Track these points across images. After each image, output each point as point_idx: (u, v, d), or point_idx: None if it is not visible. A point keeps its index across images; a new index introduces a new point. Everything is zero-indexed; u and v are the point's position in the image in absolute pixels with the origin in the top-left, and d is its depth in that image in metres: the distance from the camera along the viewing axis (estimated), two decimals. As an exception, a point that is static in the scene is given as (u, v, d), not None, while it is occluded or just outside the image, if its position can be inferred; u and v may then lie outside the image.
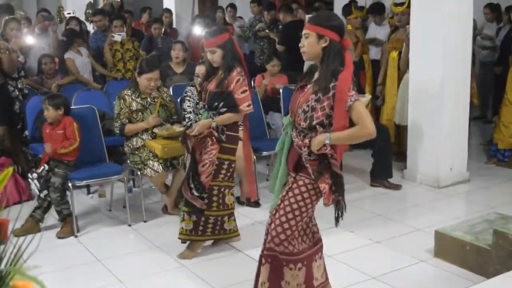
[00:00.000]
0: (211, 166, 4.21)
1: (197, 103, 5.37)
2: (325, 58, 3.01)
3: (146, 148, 5.11)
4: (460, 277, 3.98)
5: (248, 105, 4.24)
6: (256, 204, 5.48)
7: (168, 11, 10.17)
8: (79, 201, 5.51)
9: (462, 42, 5.99)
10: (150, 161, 5.02)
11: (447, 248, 4.22)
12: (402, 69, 6.66)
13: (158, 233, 4.89)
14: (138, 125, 5.14)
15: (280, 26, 9.07)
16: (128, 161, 5.29)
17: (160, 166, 5.02)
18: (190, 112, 5.34)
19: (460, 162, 6.17)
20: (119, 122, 5.13)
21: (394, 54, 6.80)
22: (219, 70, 4.26)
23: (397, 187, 5.96)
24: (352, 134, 3.01)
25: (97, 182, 5.36)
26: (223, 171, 4.29)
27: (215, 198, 4.31)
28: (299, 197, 3.10)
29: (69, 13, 8.84)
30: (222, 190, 4.34)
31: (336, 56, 3.00)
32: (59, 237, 4.81)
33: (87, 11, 12.26)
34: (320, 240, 3.34)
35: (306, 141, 3.03)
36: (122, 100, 5.15)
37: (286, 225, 3.12)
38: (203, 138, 4.23)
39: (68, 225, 4.87)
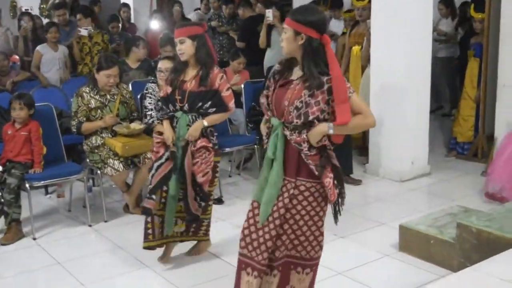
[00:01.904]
0: (211, 174, 4.04)
1: (158, 100, 5.26)
2: (305, 55, 2.92)
3: (106, 147, 4.99)
4: (426, 271, 4.00)
5: (233, 103, 4.10)
6: (219, 201, 5.42)
7: (126, 5, 10.00)
8: (37, 202, 5.35)
9: (423, 37, 6.04)
10: (111, 160, 4.90)
11: (412, 242, 4.23)
12: (363, 63, 6.68)
13: (120, 233, 4.79)
14: (95, 123, 5.01)
15: (239, 21, 8.99)
16: (88, 160, 5.15)
17: (121, 165, 4.91)
18: (152, 109, 5.20)
19: (421, 156, 6.23)
20: (76, 120, 4.99)
21: (356, 48, 6.80)
22: (190, 66, 4.03)
23: (357, 182, 5.97)
24: (356, 123, 2.95)
25: (55, 182, 5.19)
26: (217, 174, 4.19)
27: (210, 202, 4.21)
28: (305, 203, 2.97)
29: (27, 9, 8.57)
30: (213, 192, 4.25)
31: (316, 54, 2.91)
32: (2, 244, 4.60)
33: (42, 6, 11.94)
34: (318, 258, 3.22)
35: (304, 135, 2.92)
36: (80, 98, 5.01)
37: (299, 232, 3.02)
38: (199, 148, 3.98)
39: (12, 231, 4.68)
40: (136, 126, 5.04)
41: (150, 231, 4.09)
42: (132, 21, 10.43)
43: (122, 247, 4.51)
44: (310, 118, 2.89)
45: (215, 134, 4.14)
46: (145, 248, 4.12)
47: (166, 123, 4.04)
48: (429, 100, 6.27)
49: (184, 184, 3.98)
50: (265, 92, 3.10)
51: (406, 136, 6.06)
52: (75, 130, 5.03)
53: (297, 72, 3.01)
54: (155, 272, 4.08)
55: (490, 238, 3.74)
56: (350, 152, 6.07)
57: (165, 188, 4.02)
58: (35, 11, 10.05)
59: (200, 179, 3.97)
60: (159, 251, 4.26)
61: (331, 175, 2.97)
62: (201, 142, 3.98)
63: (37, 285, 4.07)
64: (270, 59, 7.30)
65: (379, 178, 6.15)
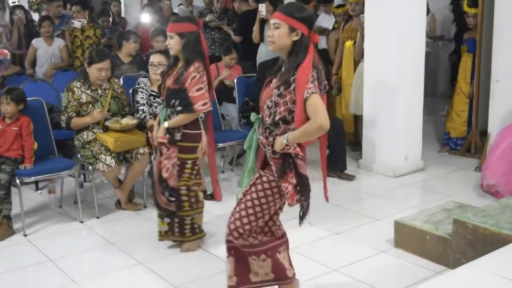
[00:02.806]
0: (174, 169, 4.05)
1: (150, 95, 5.22)
2: (294, 52, 2.91)
3: (97, 142, 4.92)
4: (421, 267, 3.98)
5: (204, 104, 4.00)
6: (212, 197, 5.36)
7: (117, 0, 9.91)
8: (27, 198, 5.26)
9: (417, 32, 6.02)
10: (102, 155, 4.84)
11: (407, 238, 4.20)
12: (357, 59, 6.65)
13: (112, 230, 4.73)
14: (84, 119, 4.94)
15: (231, 15, 8.93)
16: (79, 155, 5.09)
17: (113, 160, 4.85)
18: (144, 104, 5.18)
19: (415, 151, 6.22)
20: (66, 115, 4.93)
21: (349, 43, 6.77)
22: (179, 62, 4.05)
23: (351, 177, 5.94)
24: (305, 130, 2.87)
25: (46, 178, 5.11)
26: (187, 171, 4.13)
27: (184, 198, 4.16)
28: (261, 193, 3.04)
29: (14, 2, 8.47)
30: (192, 188, 4.18)
31: (304, 51, 2.90)
32: None
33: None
34: (283, 235, 3.28)
35: (270, 139, 2.97)
36: (70, 92, 4.94)
37: (245, 220, 3.07)
38: (160, 145, 4.08)
39: (3, 227, 4.60)
40: (129, 121, 4.98)
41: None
42: (123, 15, 10.34)
43: (115, 243, 4.45)
44: (277, 118, 2.91)
45: (184, 131, 4.06)
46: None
47: (155, 120, 4.21)
48: (423, 95, 6.25)
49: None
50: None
51: (400, 132, 6.05)
52: (64, 125, 4.97)
53: (283, 70, 3.01)
54: (149, 268, 4.03)
55: (486, 234, 3.72)
56: (343, 148, 6.04)
57: None
58: (24, 5, 9.93)
59: (164, 174, 4.03)
60: (152, 248, 4.26)
61: (293, 181, 2.96)
62: (162, 139, 4.05)
63: (29, 282, 4.00)
64: (263, 54, 7.25)
65: (373, 174, 6.13)
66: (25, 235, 4.63)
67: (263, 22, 7.31)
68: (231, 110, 6.66)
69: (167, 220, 4.20)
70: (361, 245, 4.36)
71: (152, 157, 4.20)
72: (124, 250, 4.31)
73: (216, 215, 4.87)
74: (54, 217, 5.07)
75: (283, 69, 2.99)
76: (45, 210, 5.24)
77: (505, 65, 5.88)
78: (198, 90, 3.97)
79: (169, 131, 4.03)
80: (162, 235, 4.28)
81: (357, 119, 6.83)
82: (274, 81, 2.99)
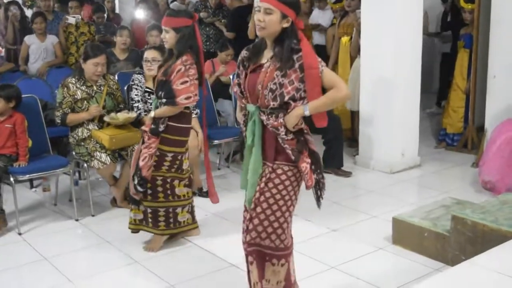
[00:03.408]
0: (150, 160, 4.03)
1: (145, 91, 5.17)
2: (284, 38, 2.86)
3: (92, 139, 4.87)
4: (420, 264, 3.95)
5: (187, 98, 3.97)
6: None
7: (111, -4, 9.83)
8: (22, 196, 5.20)
9: (414, 28, 5.99)
10: (97, 153, 4.80)
11: (405, 235, 4.18)
12: (353, 54, 6.62)
13: (108, 228, 4.68)
14: (80, 115, 4.89)
15: (225, 12, 8.88)
16: (74, 153, 5.04)
17: (108, 158, 4.80)
18: (139, 101, 5.13)
19: (411, 147, 6.20)
20: (61, 111, 4.88)
21: (346, 39, 6.74)
22: (173, 55, 4.06)
23: (347, 174, 5.91)
24: (329, 98, 2.89)
25: (41, 175, 5.06)
26: (166, 163, 4.11)
27: (160, 189, 4.14)
28: (280, 187, 2.93)
29: None
30: (169, 181, 4.15)
31: (293, 37, 2.87)
32: None
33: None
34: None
35: (281, 120, 2.88)
36: (65, 88, 4.89)
37: (272, 218, 2.95)
38: (143, 132, 4.12)
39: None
40: (132, 114, 4.94)
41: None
42: (117, 11, 10.28)
43: (110, 241, 4.41)
44: (286, 98, 2.85)
45: (169, 123, 4.05)
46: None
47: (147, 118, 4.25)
48: (419, 91, 6.22)
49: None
50: (236, 80, 3.08)
51: (396, 128, 6.02)
52: (59, 122, 4.92)
53: (266, 55, 2.95)
54: (145, 267, 3.99)
55: (485, 231, 3.70)
56: (341, 145, 6.00)
57: None
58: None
59: (140, 162, 4.03)
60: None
61: (308, 160, 2.94)
62: (146, 127, 4.08)
63: (24, 281, 3.95)
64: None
65: (370, 170, 6.10)
66: (19, 234, 4.58)
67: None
68: (227, 107, 6.62)
69: (142, 207, 4.18)
70: (359, 242, 4.33)
71: None
72: (120, 249, 4.27)
73: (213, 213, 4.83)
74: (49, 215, 5.02)
75: (268, 52, 2.92)
76: (40, 208, 5.19)
77: (502, 61, 5.87)
78: (182, 83, 3.96)
79: (154, 121, 4.03)
80: (136, 224, 4.23)
81: (354, 115, 6.80)
82: (266, 65, 2.90)
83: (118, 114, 4.96)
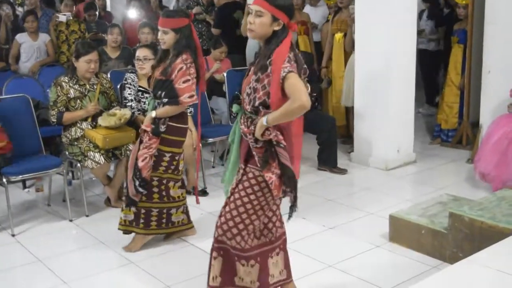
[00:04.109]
0: (150, 160, 3.98)
1: (138, 90, 5.12)
2: (272, 41, 2.82)
3: (86, 139, 4.82)
4: (417, 261, 3.93)
5: (190, 96, 3.94)
6: (204, 193, 5.30)
7: (102, -6, 9.74)
8: (14, 196, 5.16)
9: (407, 24, 5.96)
10: (91, 152, 4.75)
11: (402, 232, 4.15)
12: (348, 50, 6.59)
13: (102, 228, 4.63)
14: (77, 113, 4.84)
15: (216, 8, 8.83)
16: (67, 153, 4.98)
17: (102, 157, 4.75)
18: (132, 100, 5.09)
19: (407, 143, 6.18)
20: (56, 110, 4.81)
21: (339, 35, 6.70)
22: (169, 55, 3.99)
23: (343, 171, 5.89)
24: (286, 109, 2.75)
25: (34, 176, 5.00)
26: (164, 164, 4.06)
27: (155, 190, 4.10)
28: (249, 190, 2.94)
29: None
30: (164, 182, 4.11)
31: (283, 40, 2.82)
32: None
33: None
34: (281, 236, 3.18)
35: (252, 127, 2.87)
36: (59, 87, 4.83)
37: (237, 219, 2.97)
38: (142, 132, 4.03)
39: None
40: (126, 112, 4.86)
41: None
42: (108, 9, 10.21)
43: (105, 242, 4.37)
44: (257, 103, 2.83)
45: (169, 123, 4.00)
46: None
47: (140, 117, 4.26)
48: (414, 87, 6.20)
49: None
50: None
51: (392, 124, 6.00)
52: (54, 121, 4.85)
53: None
54: (140, 268, 3.95)
55: (483, 228, 3.68)
56: (335, 146, 5.96)
57: None
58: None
59: (139, 163, 3.97)
60: (144, 247, 4.19)
61: (277, 171, 2.87)
62: (146, 127, 4.00)
63: (18, 283, 3.90)
64: (253, 46, 7.16)
65: (365, 167, 6.08)
66: (13, 235, 4.52)
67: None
68: (221, 104, 6.58)
69: (133, 209, 4.12)
70: (355, 240, 4.30)
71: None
72: (115, 249, 4.22)
73: (208, 212, 4.80)
74: (42, 216, 4.97)
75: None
76: (33, 209, 5.14)
77: (497, 56, 5.84)
78: (184, 82, 3.91)
79: (155, 121, 3.97)
80: (126, 225, 4.17)
81: (348, 112, 6.77)
82: (252, 69, 2.92)
83: (111, 111, 4.88)
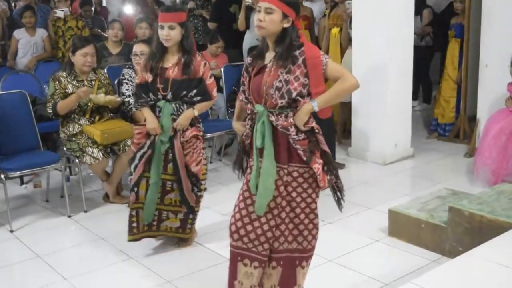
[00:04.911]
0: (204, 162, 4.00)
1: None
2: (285, 38, 2.81)
3: (84, 134, 4.81)
4: (417, 256, 3.94)
5: (216, 91, 3.99)
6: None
7: (97, -12, 9.71)
8: (12, 192, 5.13)
9: (404, 17, 5.97)
10: (89, 148, 4.73)
11: (402, 226, 4.16)
12: (344, 45, 6.58)
13: (101, 224, 4.63)
14: (69, 99, 4.74)
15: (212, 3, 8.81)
16: (65, 149, 4.96)
17: (100, 153, 4.74)
18: (129, 96, 5.07)
19: (404, 138, 6.19)
20: (52, 102, 4.75)
21: (336, 30, 6.69)
22: (170, 53, 3.84)
23: (341, 166, 5.88)
24: (337, 90, 2.81)
25: (32, 172, 4.98)
26: (204, 162, 4.06)
27: (203, 193, 4.08)
28: (299, 189, 2.88)
29: None
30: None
31: (294, 36, 2.82)
32: None
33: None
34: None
35: (291, 119, 2.81)
36: (57, 82, 4.79)
37: (296, 220, 2.92)
38: (190, 138, 3.88)
39: None
40: (113, 98, 4.85)
41: (134, 224, 3.97)
42: (104, 4, 10.18)
43: (104, 238, 4.36)
44: (294, 94, 2.78)
45: (200, 120, 4.02)
46: (130, 241, 4.00)
47: (147, 112, 3.86)
48: (412, 82, 6.20)
49: (175, 175, 3.86)
50: (241, 88, 3.00)
51: (389, 118, 6.01)
52: (50, 111, 4.77)
53: (269, 56, 2.90)
54: (140, 263, 3.95)
55: (483, 222, 3.69)
56: (333, 140, 5.96)
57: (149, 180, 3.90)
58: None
59: (194, 168, 3.88)
60: (143, 242, 4.12)
61: (320, 161, 2.87)
62: (191, 132, 3.87)
63: (17, 280, 3.89)
64: (249, 41, 7.17)
65: (363, 161, 6.09)
66: (11, 231, 4.52)
67: (249, 9, 7.21)
68: (218, 100, 6.53)
69: (180, 216, 4.03)
70: (355, 235, 4.31)
71: (139, 153, 3.88)
72: (115, 245, 4.22)
73: (207, 207, 4.79)
74: (40, 211, 4.96)
75: (270, 53, 2.88)
76: (31, 205, 5.13)
77: (494, 50, 5.84)
78: (210, 77, 3.93)
79: (191, 123, 3.88)
80: (172, 231, 4.09)
81: (345, 107, 6.76)
82: (269, 65, 2.85)
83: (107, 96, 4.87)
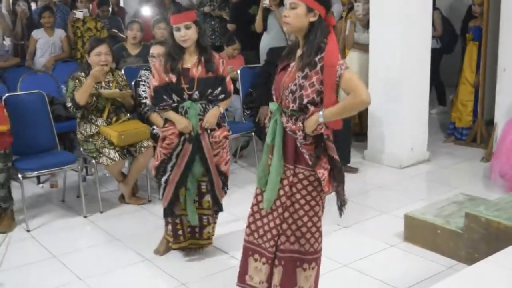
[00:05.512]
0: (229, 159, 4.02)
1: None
2: (312, 34, 2.76)
3: (100, 135, 4.83)
4: (433, 261, 3.92)
5: (232, 90, 3.99)
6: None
7: (115, -11, 9.75)
8: (29, 191, 5.19)
9: (422, 21, 5.95)
10: (106, 149, 4.75)
11: (417, 232, 4.14)
12: (347, 47, 6.60)
13: (117, 225, 4.65)
14: (85, 83, 4.70)
15: (230, 4, 8.81)
16: (81, 149, 4.98)
17: (117, 154, 4.76)
18: (146, 98, 5.08)
19: (421, 141, 6.15)
20: (71, 96, 4.73)
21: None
22: (187, 53, 3.80)
23: (354, 170, 5.85)
24: (346, 105, 2.72)
25: (49, 172, 5.02)
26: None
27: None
28: (304, 192, 2.86)
29: None
30: None
31: (323, 33, 2.76)
32: (1, 232, 4.50)
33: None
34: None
35: (300, 124, 2.79)
36: (76, 80, 4.79)
37: (299, 222, 2.91)
38: (222, 139, 3.85)
39: (8, 219, 4.58)
40: (128, 90, 4.92)
41: (180, 231, 3.97)
42: (121, 4, 10.23)
43: (120, 239, 4.38)
44: (305, 101, 2.75)
45: (225, 120, 4.04)
46: (175, 249, 4.02)
47: (173, 114, 3.80)
48: (429, 85, 6.17)
49: (206, 176, 3.86)
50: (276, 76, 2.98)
51: (405, 122, 5.98)
52: (70, 104, 4.73)
53: (298, 53, 2.86)
54: (155, 265, 3.96)
55: (500, 228, 3.66)
56: (349, 142, 5.94)
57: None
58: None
59: (223, 167, 3.90)
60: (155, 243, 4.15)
61: (327, 166, 2.85)
62: (221, 132, 3.85)
63: (33, 279, 3.90)
64: (267, 43, 7.16)
65: (379, 165, 6.06)
66: (28, 231, 4.55)
67: (267, 11, 7.21)
68: (234, 101, 6.53)
69: (212, 219, 4.05)
70: (370, 239, 4.29)
71: (175, 152, 3.81)
72: (130, 246, 4.24)
73: (226, 211, 4.79)
74: (57, 211, 4.99)
75: (299, 51, 2.84)
76: (48, 205, 5.16)
77: (512, 54, 5.80)
78: (228, 75, 3.94)
79: (218, 122, 3.86)
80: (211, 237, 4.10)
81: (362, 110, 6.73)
82: (292, 65, 2.83)
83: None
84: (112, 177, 5.20)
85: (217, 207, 3.98)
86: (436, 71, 8.01)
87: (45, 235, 4.49)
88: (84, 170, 5.69)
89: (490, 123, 6.32)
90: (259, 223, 3.02)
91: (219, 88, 3.82)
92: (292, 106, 2.79)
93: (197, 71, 3.78)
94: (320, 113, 2.74)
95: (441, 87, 8.26)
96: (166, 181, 3.82)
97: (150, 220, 4.72)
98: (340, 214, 3.00)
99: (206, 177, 3.86)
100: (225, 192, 4.00)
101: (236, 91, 6.36)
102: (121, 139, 4.71)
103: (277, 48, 5.81)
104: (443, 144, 6.82)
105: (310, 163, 2.82)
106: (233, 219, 4.58)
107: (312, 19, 2.76)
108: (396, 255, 4.07)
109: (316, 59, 2.73)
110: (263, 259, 3.01)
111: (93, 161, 4.87)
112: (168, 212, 3.88)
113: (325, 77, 2.71)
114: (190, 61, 3.81)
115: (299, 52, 2.85)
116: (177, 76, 3.75)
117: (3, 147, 4.44)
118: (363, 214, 4.78)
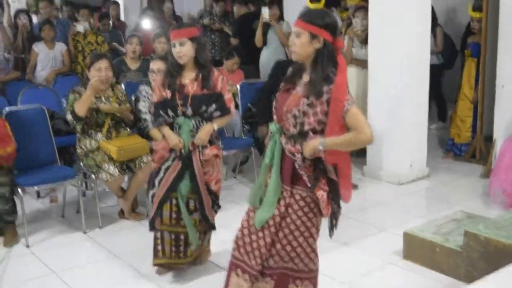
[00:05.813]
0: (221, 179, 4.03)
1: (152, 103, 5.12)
2: (318, 60, 2.77)
3: (100, 151, 4.84)
4: (432, 279, 3.92)
5: (233, 106, 3.97)
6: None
7: (116, 3, 9.78)
8: (28, 206, 5.16)
9: (421, 37, 5.96)
10: (106, 165, 4.76)
11: (417, 250, 4.14)
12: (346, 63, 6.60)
13: (116, 241, 4.65)
14: (84, 95, 4.71)
15: (231, 18, 8.87)
16: (81, 164, 4.99)
17: (116, 170, 4.77)
18: (146, 113, 5.09)
19: (420, 158, 6.16)
20: (71, 108, 4.74)
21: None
22: (186, 69, 3.82)
23: (354, 187, 5.82)
24: (349, 139, 2.75)
25: (49, 187, 5.03)
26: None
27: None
28: (300, 213, 2.88)
29: (14, 1, 8.41)
30: None
31: (330, 59, 2.77)
32: (6, 246, 4.53)
33: (29, 0, 11.69)
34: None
35: (298, 146, 2.81)
36: (77, 94, 4.80)
37: (295, 243, 2.92)
38: (211, 158, 3.85)
39: (11, 232, 4.62)
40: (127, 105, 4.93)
41: (159, 247, 3.93)
42: (122, 18, 10.27)
43: (119, 255, 4.38)
44: (306, 128, 2.78)
45: (219, 138, 4.03)
46: (156, 265, 3.99)
47: (167, 130, 3.84)
48: (428, 102, 6.19)
49: (195, 194, 3.85)
50: (277, 95, 2.98)
51: (405, 139, 5.99)
52: (70, 117, 4.75)
53: (304, 78, 2.87)
54: (153, 282, 3.95)
55: (498, 247, 3.66)
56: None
57: (174, 201, 3.85)
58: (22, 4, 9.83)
59: (214, 187, 3.88)
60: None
61: (326, 188, 2.85)
62: (211, 150, 3.85)
63: (32, 296, 3.93)
64: (266, 57, 7.20)
65: (378, 181, 6.06)
66: (27, 246, 4.55)
67: (267, 26, 7.25)
68: (233, 117, 6.57)
69: (203, 236, 4.05)
70: (369, 257, 4.29)
71: (164, 166, 3.84)
72: (129, 262, 4.24)
73: (219, 225, 4.79)
74: (56, 227, 4.99)
75: (304, 77, 2.85)
76: (47, 220, 5.16)
77: (511, 70, 5.82)
78: (228, 92, 3.91)
79: (210, 140, 3.85)
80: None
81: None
82: (298, 89, 2.84)
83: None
84: (112, 192, 5.20)
85: (208, 226, 3.97)
86: (438, 86, 8.05)
87: (45, 251, 4.49)
88: (84, 184, 5.70)
89: (489, 139, 6.33)
90: (246, 239, 3.02)
91: (213, 105, 3.80)
92: (293, 131, 2.81)
93: (192, 88, 3.79)
94: (322, 140, 2.75)
95: (442, 103, 8.29)
96: (153, 195, 3.85)
97: (149, 236, 4.63)
98: (330, 235, 3.03)
99: (196, 194, 3.86)
100: (216, 212, 3.99)
101: (235, 106, 6.39)
102: (121, 154, 4.72)
103: (283, 62, 5.81)
104: (442, 160, 6.83)
105: (309, 184, 2.83)
106: (230, 235, 4.54)
107: (317, 45, 2.77)
108: (395, 273, 4.07)
109: (324, 89, 2.73)
110: (246, 276, 3.02)
111: (93, 176, 4.88)
112: (150, 226, 3.91)
113: (331, 110, 2.72)
114: (188, 77, 3.84)
115: (305, 77, 2.85)
116: (172, 92, 3.79)
117: (8, 162, 4.48)
118: (361, 231, 4.78)
